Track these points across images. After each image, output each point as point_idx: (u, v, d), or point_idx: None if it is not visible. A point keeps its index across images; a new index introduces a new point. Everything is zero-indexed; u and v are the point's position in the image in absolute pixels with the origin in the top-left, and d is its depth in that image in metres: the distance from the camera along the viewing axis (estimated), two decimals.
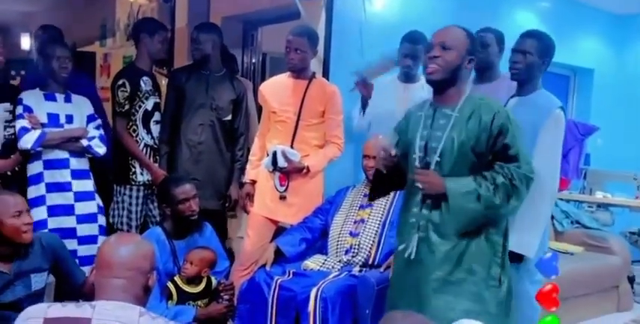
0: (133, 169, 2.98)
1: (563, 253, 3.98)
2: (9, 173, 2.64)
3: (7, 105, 2.63)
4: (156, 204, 3.04)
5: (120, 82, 2.95)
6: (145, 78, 3.01)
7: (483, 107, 1.99)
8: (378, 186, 2.25)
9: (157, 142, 3.04)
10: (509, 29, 2.86)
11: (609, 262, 3.86)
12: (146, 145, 3.00)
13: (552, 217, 4.36)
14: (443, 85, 2.02)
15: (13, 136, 2.63)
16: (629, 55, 5.48)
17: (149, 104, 3.01)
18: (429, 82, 2.05)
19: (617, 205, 4.44)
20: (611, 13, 5.36)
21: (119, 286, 1.42)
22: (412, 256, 2.01)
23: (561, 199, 4.52)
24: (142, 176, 2.99)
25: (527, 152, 2.02)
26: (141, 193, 3.00)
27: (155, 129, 3.04)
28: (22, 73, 7.02)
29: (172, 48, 4.08)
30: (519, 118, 2.17)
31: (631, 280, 4.16)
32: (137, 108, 2.98)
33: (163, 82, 3.91)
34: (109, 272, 1.45)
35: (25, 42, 7.59)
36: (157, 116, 3.04)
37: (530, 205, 2.23)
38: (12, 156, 2.63)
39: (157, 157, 3.03)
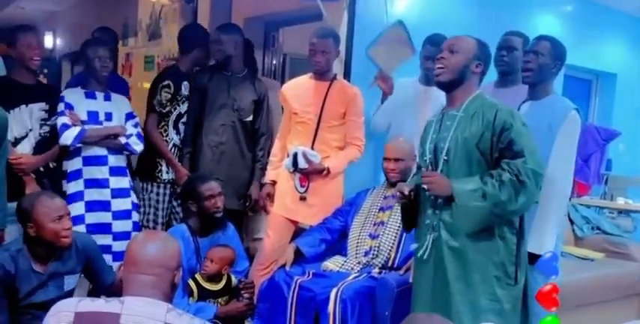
0: (160, 167, 3.02)
1: (584, 259, 3.94)
2: (42, 169, 2.68)
3: (43, 104, 2.68)
4: (179, 201, 3.08)
5: (165, 82, 3.01)
6: (185, 82, 3.06)
7: (486, 106, 2.02)
8: (406, 218, 2.26)
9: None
10: (532, 33, 2.84)
11: (630, 268, 3.81)
12: (174, 145, 3.06)
13: (572, 223, 4.33)
14: (450, 87, 2.08)
15: (48, 134, 2.69)
16: None
17: (183, 108, 3.06)
18: (437, 84, 2.11)
19: (639, 211, 4.39)
20: (635, 16, 5.30)
21: (148, 282, 1.44)
22: (425, 256, 2.05)
23: (582, 205, 4.47)
24: (167, 174, 3.03)
25: (535, 148, 1.99)
26: (167, 191, 3.04)
27: (183, 129, 3.08)
28: (45, 71, 7.13)
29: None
30: (535, 121, 2.19)
31: None
32: (173, 110, 3.03)
33: None
34: (137, 269, 1.47)
35: (49, 40, 7.74)
36: (184, 118, 3.09)
37: (545, 205, 2.26)
38: (45, 153, 2.67)
39: (181, 157, 3.06)
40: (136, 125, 2.85)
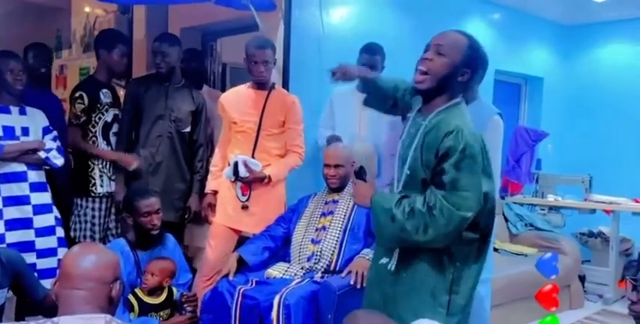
0: (93, 181, 2.96)
1: (518, 254, 4.13)
2: None
3: None
4: (113, 217, 3.04)
5: (77, 94, 2.95)
6: (104, 90, 3.02)
7: (445, 123, 1.79)
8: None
9: None
10: None
11: (562, 262, 3.98)
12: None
13: (507, 220, 4.53)
14: (429, 95, 1.86)
15: None
16: (575, 64, 5.73)
17: (109, 116, 3.01)
18: (416, 91, 1.90)
19: (568, 207, 4.63)
20: (558, 23, 5.61)
21: (81, 297, 1.41)
22: (392, 268, 1.90)
23: (515, 203, 4.69)
24: (101, 188, 2.97)
25: (467, 186, 1.72)
26: (103, 205, 2.99)
27: (114, 140, 3.04)
28: None
29: (131, 59, 4.06)
30: None
31: (582, 279, 4.35)
32: (97, 120, 2.98)
33: (121, 92, 3.90)
34: (70, 284, 1.44)
35: None
36: (115, 128, 3.05)
37: None
38: None
39: (116, 169, 3.02)
40: (54, 139, 2.78)
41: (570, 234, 4.71)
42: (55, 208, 2.78)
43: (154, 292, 2.45)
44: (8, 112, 2.69)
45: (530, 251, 4.14)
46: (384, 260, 1.96)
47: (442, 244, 1.80)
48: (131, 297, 2.41)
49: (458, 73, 1.80)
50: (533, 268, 3.82)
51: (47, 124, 2.82)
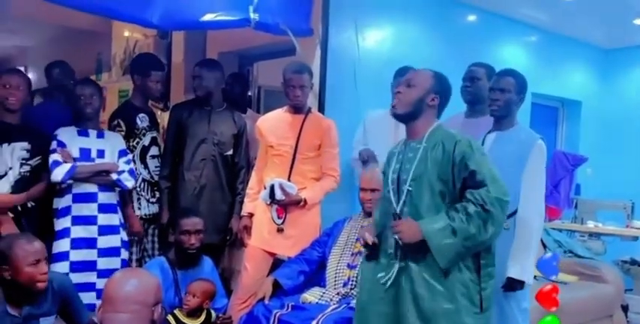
0: (131, 204, 3.00)
1: (558, 283, 4.00)
2: (19, 208, 2.64)
3: (25, 144, 2.67)
4: (151, 238, 3.07)
5: (115, 122, 3.03)
6: (141, 115, 3.07)
7: (446, 137, 2.05)
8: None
9: (153, 176, 3.07)
10: (499, 64, 2.96)
11: (603, 291, 3.89)
12: (144, 180, 3.05)
13: (545, 247, 4.41)
14: (406, 119, 2.12)
15: (27, 174, 2.66)
16: (614, 87, 5.63)
17: (146, 140, 3.07)
18: (393, 116, 2.16)
19: (608, 234, 4.50)
20: (596, 46, 5.54)
21: (125, 320, 1.44)
22: (388, 284, 2.04)
23: (554, 229, 4.57)
24: (139, 210, 3.02)
25: (496, 176, 1.98)
26: (145, 227, 3.03)
27: (152, 163, 3.09)
28: None
29: (169, 83, 4.15)
30: (501, 151, 2.28)
31: (625, 308, 4.18)
32: (135, 144, 3.04)
33: (159, 113, 3.98)
34: (113, 307, 1.47)
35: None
36: (153, 151, 3.10)
37: (522, 232, 2.36)
38: (25, 192, 2.65)
39: (155, 192, 3.07)
40: (128, 162, 2.85)
41: (612, 261, 4.56)
42: (122, 231, 2.82)
43: (193, 313, 2.46)
44: (86, 135, 2.79)
45: (570, 279, 4.01)
46: (381, 274, 2.07)
47: (497, 236, 1.98)
48: (170, 318, 2.42)
49: (427, 98, 2.09)
50: (574, 297, 3.72)
51: (124, 147, 2.90)
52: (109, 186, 2.76)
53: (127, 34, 4.90)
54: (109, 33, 5.12)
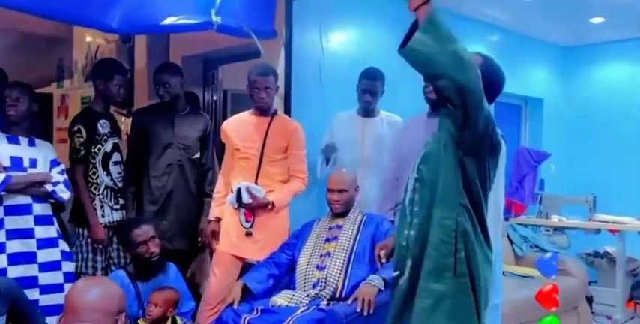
0: (101, 211, 2.95)
1: (524, 276, 4.09)
2: None
3: None
4: (115, 246, 3.02)
5: (75, 128, 2.96)
6: (102, 121, 3.01)
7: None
8: None
9: (116, 183, 3.03)
10: None
11: (568, 283, 3.97)
12: (107, 187, 3.00)
13: (512, 242, 4.49)
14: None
15: None
16: (574, 85, 5.78)
17: (108, 146, 3.01)
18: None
19: (572, 227, 4.60)
20: (557, 45, 5.67)
21: None
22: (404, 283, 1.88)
23: (519, 224, 4.67)
24: (102, 218, 2.96)
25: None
26: (109, 234, 2.98)
27: (114, 170, 3.03)
28: None
29: (132, 88, 4.10)
30: None
31: (589, 300, 4.30)
32: (97, 151, 2.98)
33: (122, 119, 3.92)
34: (76, 317, 1.44)
35: None
36: (115, 157, 3.05)
37: None
38: None
39: (119, 199, 3.02)
40: (62, 172, 2.76)
41: (576, 255, 4.67)
42: (62, 242, 2.74)
43: (157, 322, 2.42)
44: (17, 142, 2.69)
45: (536, 273, 4.08)
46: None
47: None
48: None
49: None
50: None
51: (56, 156, 2.80)
52: (43, 197, 2.66)
53: (88, 39, 4.81)
54: (71, 39, 5.02)
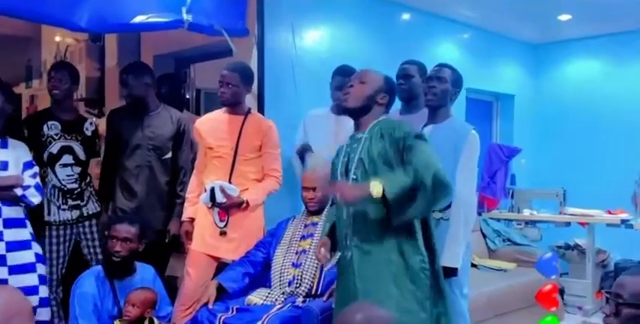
0: (48, 209, 2.94)
1: (497, 270, 4.16)
2: None
3: None
4: (84, 243, 3.01)
5: (21, 129, 2.94)
6: (50, 122, 2.97)
7: (388, 123, 2.16)
8: None
9: (64, 184, 2.98)
10: (433, 61, 3.03)
11: (541, 276, 4.06)
12: (54, 186, 2.98)
13: (485, 236, 4.56)
14: (356, 113, 2.22)
15: None
16: (544, 81, 5.88)
17: (54, 148, 2.97)
18: (344, 109, 2.28)
19: (543, 221, 4.69)
20: (527, 42, 5.76)
21: None
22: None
23: (492, 219, 4.74)
24: (49, 216, 2.94)
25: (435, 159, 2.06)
26: (53, 233, 2.96)
27: (62, 172, 2.98)
28: None
29: (103, 88, 4.05)
30: (438, 143, 2.32)
31: (561, 292, 4.38)
32: (43, 153, 2.94)
33: (94, 119, 3.86)
34: None
35: None
36: (65, 159, 2.99)
37: (454, 219, 2.41)
38: None
39: (68, 199, 2.99)
40: (34, 175, 2.68)
41: (547, 247, 4.76)
42: (35, 245, 2.68)
43: (135, 323, 2.40)
44: None
45: (509, 266, 4.17)
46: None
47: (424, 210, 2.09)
48: None
49: (378, 95, 2.21)
50: (514, 283, 3.87)
51: (30, 158, 2.73)
52: (12, 201, 2.60)
53: (57, 39, 4.73)
54: (39, 38, 4.93)
